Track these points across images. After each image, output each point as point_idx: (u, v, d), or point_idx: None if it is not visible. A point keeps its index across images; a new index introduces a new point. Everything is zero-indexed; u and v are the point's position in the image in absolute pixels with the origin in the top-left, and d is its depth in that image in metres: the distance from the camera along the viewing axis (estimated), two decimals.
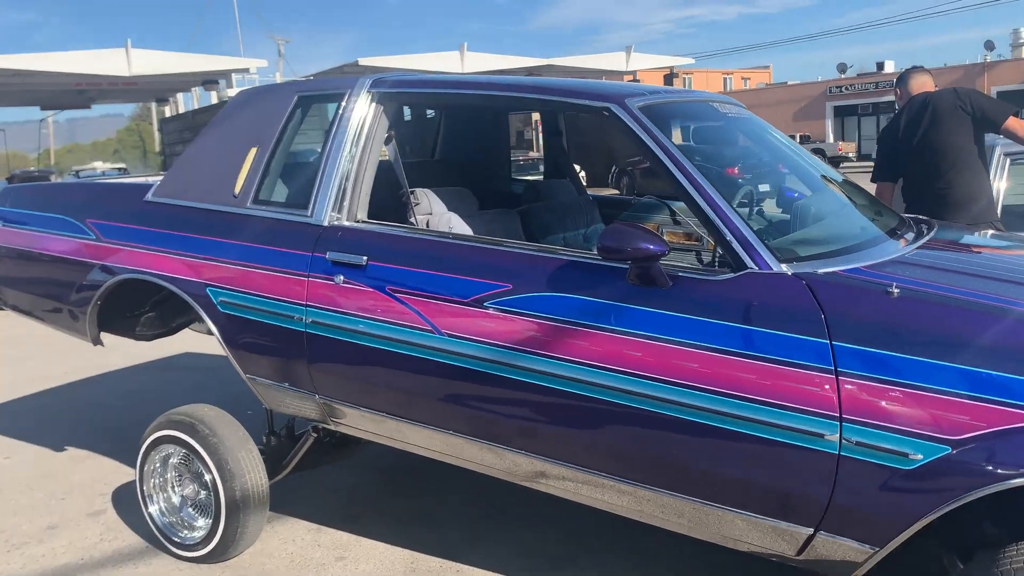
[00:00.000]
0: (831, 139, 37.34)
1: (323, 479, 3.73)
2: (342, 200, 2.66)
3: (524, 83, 2.46)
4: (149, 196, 3.10)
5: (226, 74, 17.00)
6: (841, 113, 39.04)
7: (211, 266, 2.82)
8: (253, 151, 2.84)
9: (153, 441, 3.04)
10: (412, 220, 2.89)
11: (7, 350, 6.92)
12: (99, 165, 40.52)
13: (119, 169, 28.87)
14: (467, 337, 2.31)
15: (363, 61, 17.28)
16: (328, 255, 2.59)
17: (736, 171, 2.85)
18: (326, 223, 2.66)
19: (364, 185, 2.69)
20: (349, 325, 2.53)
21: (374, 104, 2.74)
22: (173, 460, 3.08)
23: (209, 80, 17.56)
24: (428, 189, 3.00)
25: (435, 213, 2.94)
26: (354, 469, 3.83)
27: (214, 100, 19.21)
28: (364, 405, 2.64)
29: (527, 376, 2.23)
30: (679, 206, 3.88)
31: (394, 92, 2.73)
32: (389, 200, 2.89)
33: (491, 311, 2.28)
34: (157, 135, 41.27)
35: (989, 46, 36.30)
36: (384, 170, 2.85)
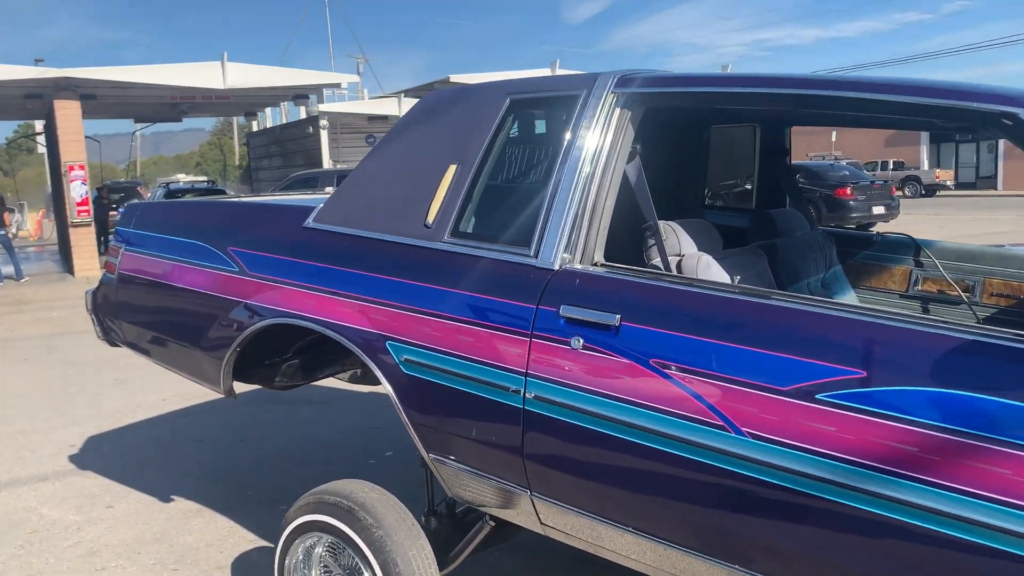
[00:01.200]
0: (926, 166, 35.40)
1: (476, 560, 3.08)
2: (575, 236, 2.00)
3: (877, 81, 1.76)
4: (310, 222, 2.48)
5: (317, 88, 16.75)
6: (937, 139, 36.99)
7: (393, 314, 2.19)
8: (452, 169, 2.20)
9: (297, 528, 2.42)
10: (655, 262, 2.20)
11: (110, 374, 6.53)
12: (182, 177, 41.64)
13: (208, 181, 29.04)
14: (783, 442, 1.61)
15: (454, 78, 16.82)
16: (561, 310, 1.93)
17: None
18: (556, 267, 2.00)
19: (604, 217, 2.03)
20: (590, 407, 1.86)
21: (619, 110, 2.06)
22: (318, 550, 2.46)
23: (300, 95, 17.35)
24: (673, 222, 2.30)
25: (687, 254, 2.24)
26: (506, 549, 3.17)
27: (303, 115, 19.06)
28: (587, 508, 1.97)
29: (861, 501, 1.53)
30: (942, 247, 3.11)
31: (654, 93, 2.04)
32: (614, 233, 2.20)
33: (827, 407, 1.58)
34: (238, 149, 41.98)
35: None
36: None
